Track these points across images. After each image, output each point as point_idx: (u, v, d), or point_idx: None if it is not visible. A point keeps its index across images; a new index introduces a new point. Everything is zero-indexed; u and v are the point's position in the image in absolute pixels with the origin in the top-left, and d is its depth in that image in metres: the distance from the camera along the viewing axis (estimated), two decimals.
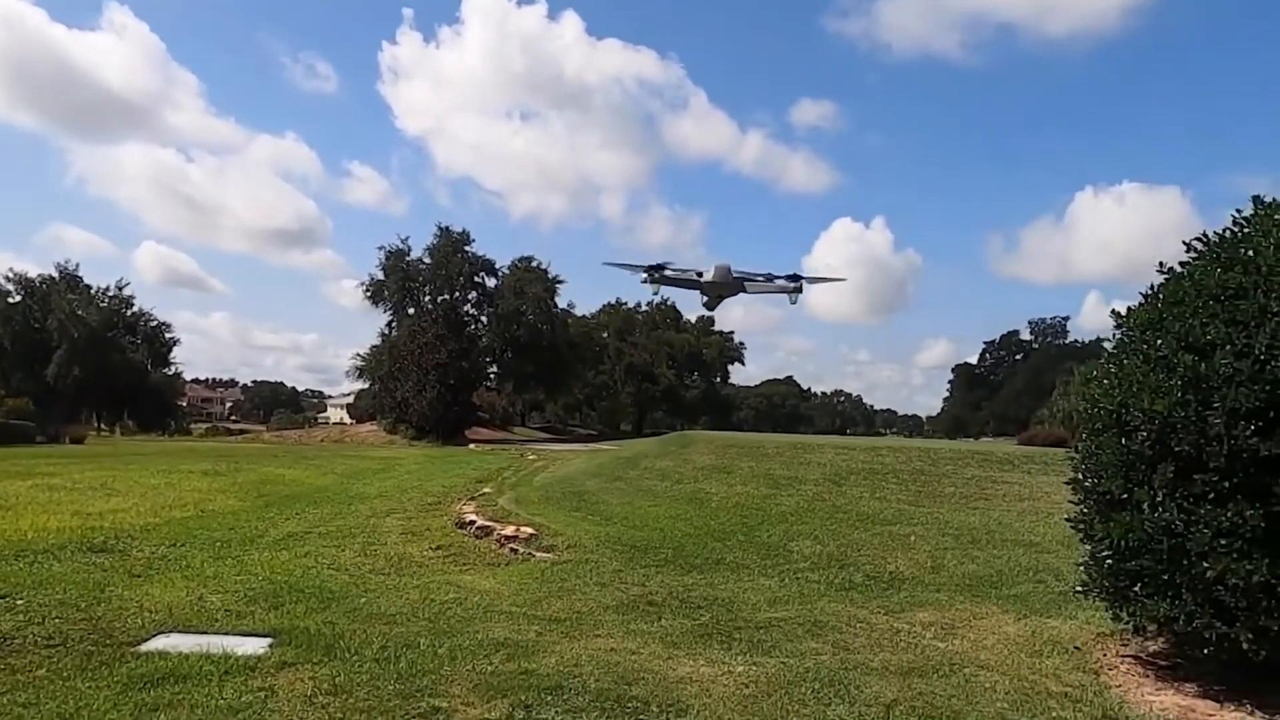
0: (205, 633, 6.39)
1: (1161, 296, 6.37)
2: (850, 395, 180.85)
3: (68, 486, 15.48)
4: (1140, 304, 6.65)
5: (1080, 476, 6.65)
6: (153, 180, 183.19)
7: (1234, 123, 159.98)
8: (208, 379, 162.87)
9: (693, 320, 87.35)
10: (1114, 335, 6.93)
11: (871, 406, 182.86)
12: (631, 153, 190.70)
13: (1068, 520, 6.79)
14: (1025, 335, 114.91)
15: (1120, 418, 6.13)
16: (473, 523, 10.88)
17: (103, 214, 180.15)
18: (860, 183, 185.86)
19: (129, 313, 70.02)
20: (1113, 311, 7.00)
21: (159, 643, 6.12)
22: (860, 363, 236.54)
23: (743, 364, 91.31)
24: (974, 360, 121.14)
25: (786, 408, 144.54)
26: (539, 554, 9.33)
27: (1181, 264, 6.48)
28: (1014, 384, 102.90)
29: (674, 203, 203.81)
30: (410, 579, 8.43)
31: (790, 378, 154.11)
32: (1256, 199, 6.31)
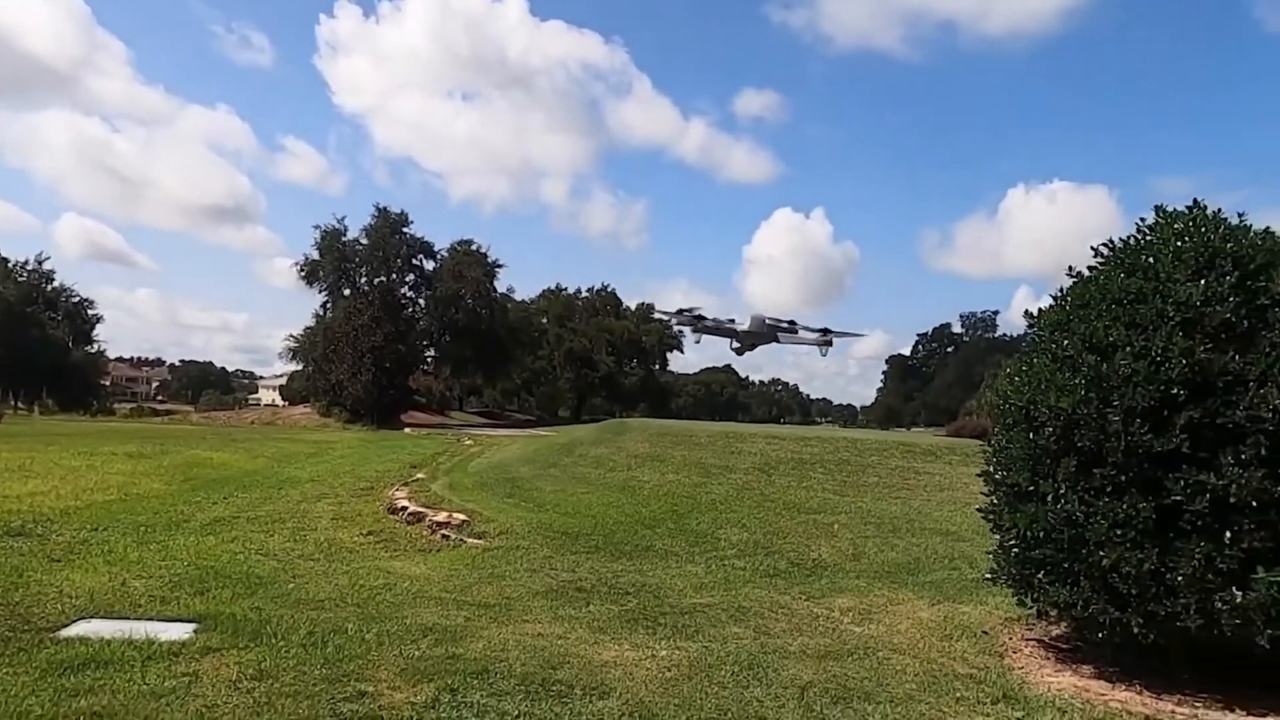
0: (128, 618, 6.33)
1: (1070, 299, 6.69)
2: (788, 384, 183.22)
3: None
4: (1050, 305, 6.98)
5: (992, 469, 6.97)
6: (75, 150, 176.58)
7: (1160, 126, 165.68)
8: (133, 358, 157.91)
9: (632, 307, 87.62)
10: (1026, 334, 7.28)
11: (808, 395, 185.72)
12: (575, 137, 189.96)
13: (979, 511, 7.10)
14: (957, 328, 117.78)
15: (1029, 413, 6.43)
16: (405, 509, 10.88)
17: (20, 184, 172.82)
18: (801, 174, 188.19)
19: (49, 288, 67.61)
20: (1025, 311, 7.34)
21: (79, 628, 6.06)
22: (798, 352, 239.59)
23: (681, 352, 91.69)
24: (907, 352, 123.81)
25: (724, 396, 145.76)
26: (470, 540, 9.40)
27: (1089, 268, 6.82)
28: (945, 376, 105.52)
29: (617, 189, 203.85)
30: (340, 565, 8.43)
31: (729, 366, 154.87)
32: (1159, 208, 6.66)
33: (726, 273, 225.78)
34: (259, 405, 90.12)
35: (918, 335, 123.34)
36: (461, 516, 10.04)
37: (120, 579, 7.45)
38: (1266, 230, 6.25)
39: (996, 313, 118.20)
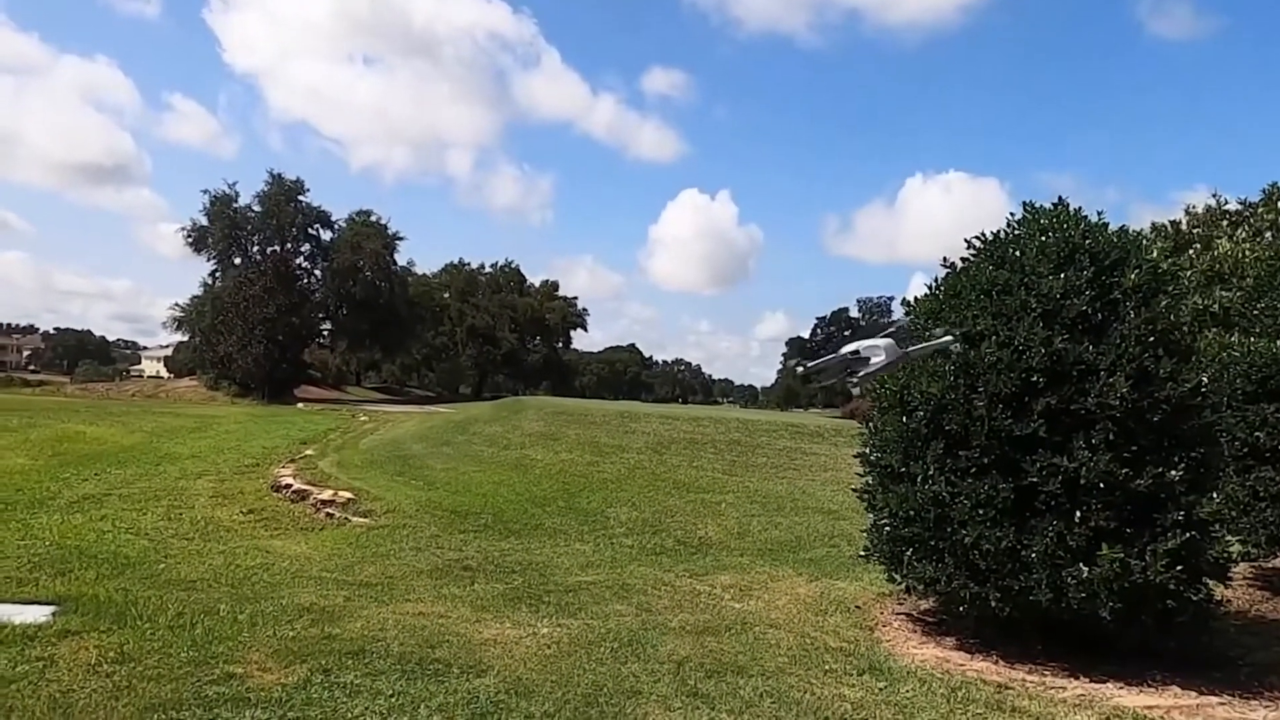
0: None
1: (943, 289, 6.98)
2: (690, 364, 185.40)
3: None
4: (926, 294, 7.27)
5: (868, 451, 7.23)
6: None
7: (1050, 122, 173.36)
8: (2, 324, 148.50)
9: (536, 284, 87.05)
10: (904, 321, 7.55)
11: (710, 376, 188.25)
12: (481, 108, 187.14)
13: (855, 491, 7.37)
14: (854, 313, 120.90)
15: (903, 398, 6.70)
16: (289, 486, 10.62)
17: None
18: (708, 155, 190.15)
19: None
20: (904, 300, 7.63)
21: None
22: (701, 333, 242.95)
23: (585, 330, 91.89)
24: (806, 334, 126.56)
25: (628, 375, 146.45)
26: (356, 519, 9.25)
27: (962, 259, 7.12)
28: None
29: (523, 162, 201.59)
30: (216, 544, 8.18)
31: (633, 345, 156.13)
32: (1027, 204, 6.99)
33: (632, 252, 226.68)
34: (142, 377, 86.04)
35: (816, 319, 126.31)
36: (347, 494, 9.86)
37: None
38: (1122, 228, 6.64)
39: (892, 299, 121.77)
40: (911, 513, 6.44)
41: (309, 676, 4.89)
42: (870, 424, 7.43)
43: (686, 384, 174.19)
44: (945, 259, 7.16)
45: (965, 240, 7.13)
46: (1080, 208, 6.65)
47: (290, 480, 10.89)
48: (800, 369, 6.10)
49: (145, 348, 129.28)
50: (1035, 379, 6.02)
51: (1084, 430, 5.90)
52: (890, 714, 4.96)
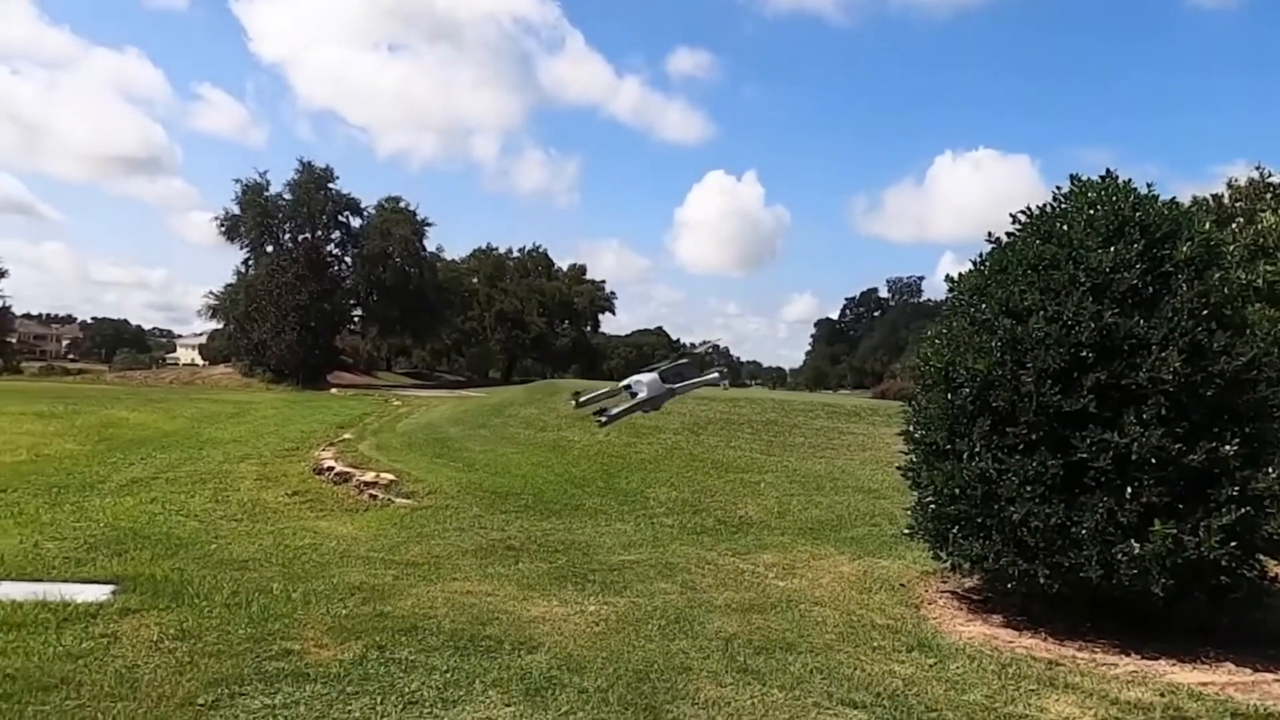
0: (41, 580, 6.17)
1: (988, 265, 6.90)
2: (718, 346, 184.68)
3: None
4: (970, 270, 7.19)
5: (912, 429, 7.19)
6: None
7: (1084, 97, 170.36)
8: (41, 315, 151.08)
9: (564, 268, 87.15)
10: (947, 298, 7.49)
11: (738, 358, 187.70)
12: (506, 93, 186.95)
13: (899, 469, 7.33)
14: (884, 293, 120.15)
15: (948, 375, 6.64)
16: (331, 469, 10.74)
17: None
18: (734, 136, 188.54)
19: None
20: (946, 276, 7.56)
21: None
22: (729, 315, 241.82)
23: (613, 313, 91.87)
24: (835, 316, 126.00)
25: (656, 358, 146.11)
26: (399, 500, 9.35)
27: (1007, 234, 7.03)
28: (871, 339, 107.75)
29: (549, 147, 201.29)
30: (264, 525, 8.31)
31: (660, 328, 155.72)
32: (1074, 178, 6.89)
33: (658, 234, 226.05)
34: (177, 365, 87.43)
35: (845, 299, 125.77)
36: (389, 476, 9.96)
37: (33, 541, 7.23)
38: (1172, 201, 6.52)
39: (922, 278, 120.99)
40: (957, 490, 6.40)
41: (364, 653, 4.97)
42: (913, 401, 7.39)
43: (714, 366, 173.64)
44: (990, 234, 7.06)
45: (1010, 215, 7.05)
46: (1130, 180, 6.55)
47: (332, 463, 11.01)
48: (575, 402, 6.43)
49: (180, 336, 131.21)
50: (1084, 354, 5.95)
51: (1135, 405, 5.82)
52: (942, 690, 4.95)
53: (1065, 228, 6.47)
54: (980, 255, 7.10)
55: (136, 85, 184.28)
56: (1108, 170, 6.74)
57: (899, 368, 64.27)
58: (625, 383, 5.97)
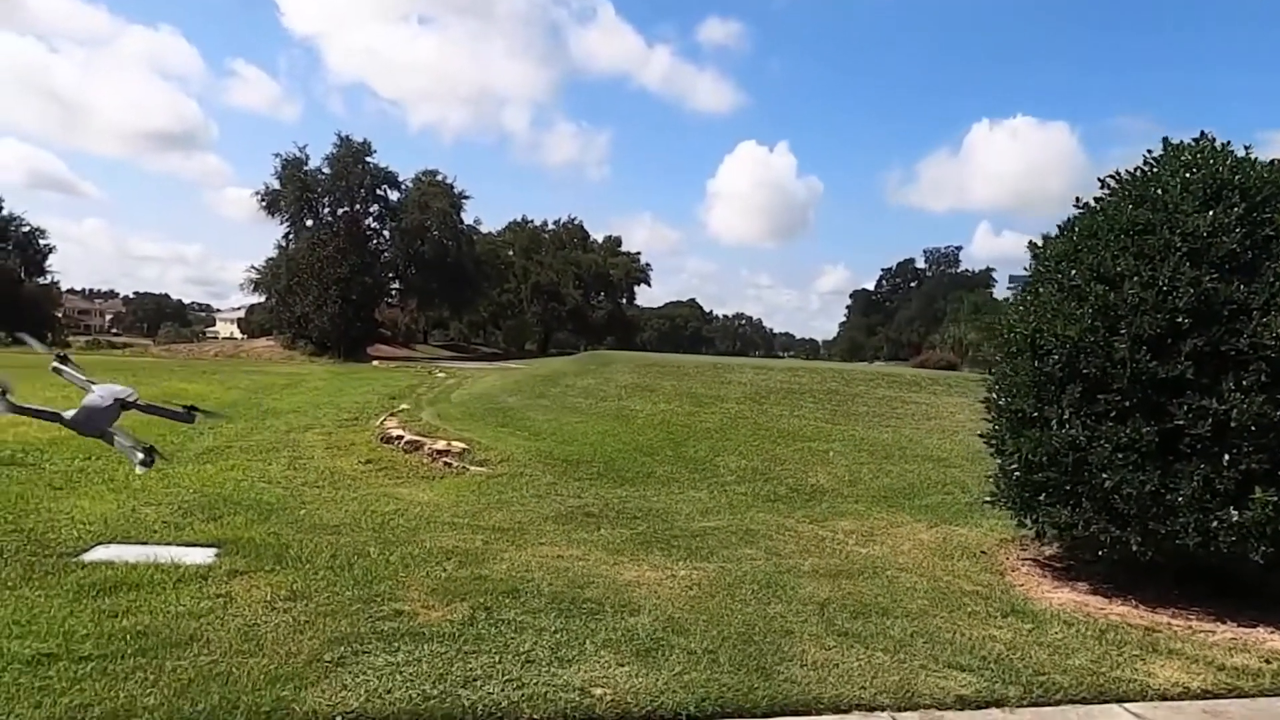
0: (146, 544, 6.36)
1: (1077, 230, 6.80)
2: (751, 318, 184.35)
3: None
4: (1057, 236, 7.10)
5: (995, 396, 7.15)
6: (12, 72, 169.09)
7: (1123, 61, 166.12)
8: (84, 290, 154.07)
9: (600, 240, 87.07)
10: (1030, 266, 7.40)
11: (771, 330, 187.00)
12: (536, 64, 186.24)
13: (981, 436, 7.31)
14: (920, 263, 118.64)
15: (1034, 342, 6.59)
16: (400, 437, 10.89)
17: None
18: (765, 106, 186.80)
19: None
20: (1030, 243, 7.46)
21: (100, 553, 6.07)
22: (761, 286, 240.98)
23: (649, 285, 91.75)
24: (871, 286, 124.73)
25: (689, 330, 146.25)
26: (473, 468, 9.47)
27: (1096, 199, 6.93)
28: (908, 310, 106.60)
29: (580, 118, 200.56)
30: (347, 492, 8.46)
31: (693, 300, 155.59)
32: (1166, 140, 6.76)
33: (691, 206, 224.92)
34: (217, 338, 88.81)
35: (881, 270, 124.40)
36: (461, 445, 10.08)
37: (130, 506, 7.43)
38: (1273, 163, 6.38)
39: (959, 248, 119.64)
40: (1045, 457, 6.37)
41: (472, 614, 5.08)
42: (995, 369, 7.35)
43: (747, 338, 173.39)
44: (1078, 199, 6.97)
45: (1100, 179, 6.96)
46: (1228, 142, 6.42)
47: (400, 432, 11.16)
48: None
49: (219, 310, 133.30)
50: (1181, 320, 5.86)
51: (1235, 371, 5.75)
52: (1045, 655, 4.97)
53: (1159, 192, 6.37)
54: (1068, 220, 7.01)
55: (171, 62, 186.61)
56: (1202, 133, 6.63)
57: (938, 339, 63.54)
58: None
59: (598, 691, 4.13)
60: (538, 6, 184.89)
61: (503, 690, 4.08)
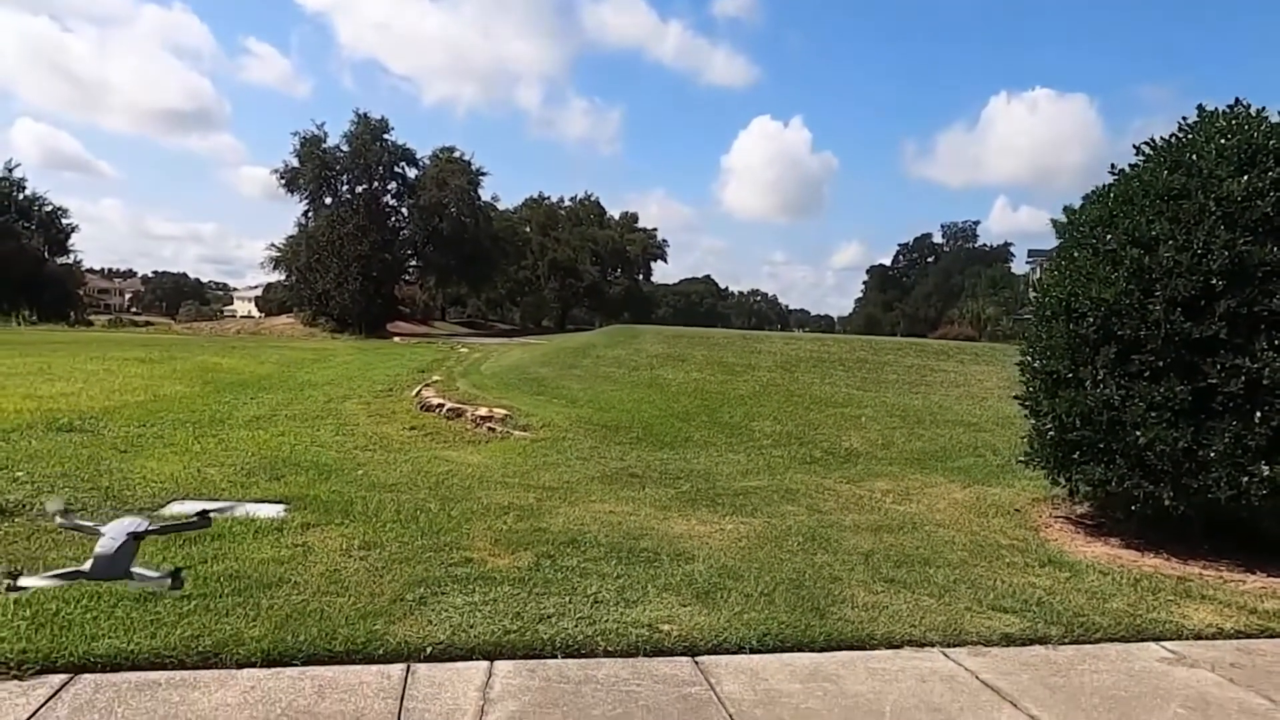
0: (217, 500, 6.66)
1: (1112, 195, 6.97)
2: (766, 295, 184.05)
3: (3, 372, 15.12)
4: (1091, 202, 7.28)
5: (1029, 359, 7.36)
6: (26, 52, 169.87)
7: (1144, 30, 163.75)
8: (103, 269, 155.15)
9: (616, 216, 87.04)
10: (1066, 232, 7.57)
11: (786, 306, 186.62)
12: (549, 40, 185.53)
13: (1016, 398, 7.52)
14: (937, 238, 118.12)
15: (1069, 305, 6.79)
16: (441, 405, 11.19)
17: None
18: (780, 80, 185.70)
19: (20, 197, 65.88)
20: (1065, 208, 7.65)
21: (176, 508, 6.38)
22: (775, 263, 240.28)
23: (665, 261, 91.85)
24: (887, 262, 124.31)
25: (704, 306, 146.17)
26: (516, 433, 9.76)
27: (1131, 166, 7.09)
28: (925, 285, 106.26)
29: (593, 94, 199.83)
30: (398, 454, 8.77)
31: (708, 276, 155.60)
32: (1200, 107, 6.91)
33: (705, 182, 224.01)
34: (235, 316, 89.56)
35: (899, 245, 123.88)
36: (502, 411, 10.37)
37: (195, 467, 7.75)
38: None
39: (977, 223, 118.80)
40: (1079, 417, 6.59)
41: (536, 561, 5.37)
42: (1029, 333, 7.54)
43: (762, 314, 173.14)
44: (1113, 166, 7.14)
45: (1134, 146, 7.11)
46: (1263, 108, 6.56)
47: (440, 400, 11.46)
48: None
49: (235, 289, 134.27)
50: (1215, 282, 6.05)
51: (1267, 331, 5.94)
52: (1084, 599, 5.22)
53: (1194, 157, 6.52)
54: (1102, 185, 7.18)
55: (185, 40, 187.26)
56: (1237, 99, 6.76)
57: (956, 313, 63.46)
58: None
59: (665, 628, 4.41)
60: None
61: (576, 626, 4.36)
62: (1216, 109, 6.80)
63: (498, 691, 3.74)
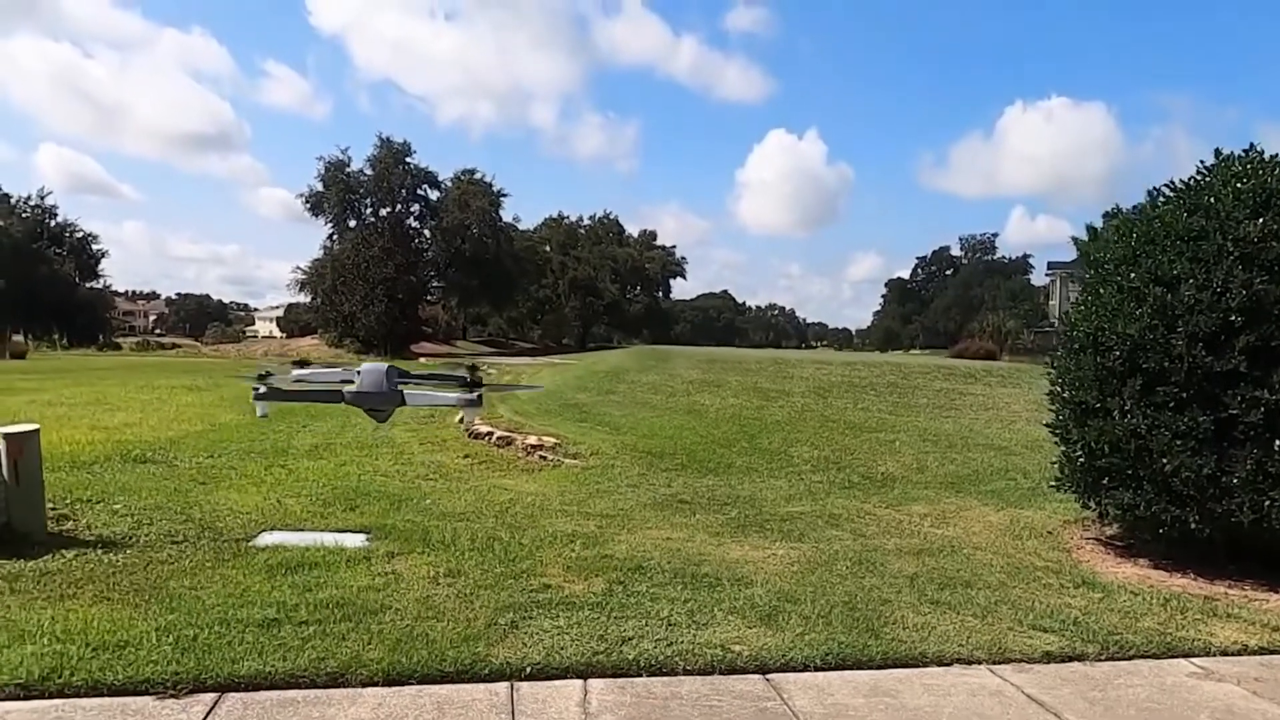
0: (302, 530, 7.16)
1: (1135, 235, 7.42)
2: (783, 309, 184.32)
3: (64, 402, 15.77)
4: (1114, 240, 7.73)
5: (1059, 389, 7.79)
6: (49, 77, 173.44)
7: (1159, 37, 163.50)
8: (127, 291, 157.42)
9: (635, 234, 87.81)
10: (1092, 269, 8.01)
11: (804, 320, 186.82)
12: (563, 57, 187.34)
13: (1047, 426, 7.95)
14: (955, 251, 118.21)
15: (1096, 339, 7.23)
16: (490, 433, 11.68)
17: None
18: (794, 93, 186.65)
19: (53, 223, 67.49)
20: (1088, 227, 8.18)
21: (268, 539, 6.88)
22: (792, 276, 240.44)
23: (684, 278, 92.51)
24: (905, 275, 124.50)
25: (721, 321, 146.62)
26: (567, 460, 10.25)
27: (1152, 207, 7.55)
28: (944, 299, 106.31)
29: (607, 110, 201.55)
30: (458, 483, 9.27)
31: (725, 291, 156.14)
32: (1217, 151, 7.36)
33: (719, 196, 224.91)
34: (257, 338, 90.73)
35: (917, 258, 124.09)
36: (551, 439, 10.87)
37: (273, 498, 8.27)
38: None
39: (995, 235, 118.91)
40: (1109, 445, 7.01)
41: (609, 587, 5.83)
42: (1058, 364, 7.97)
43: (780, 329, 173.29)
44: (1117, 207, 7.57)
45: (1153, 189, 7.58)
46: (1276, 155, 6.99)
47: (487, 428, 11.94)
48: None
49: (257, 310, 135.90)
50: (1234, 318, 6.48)
51: None
52: (1117, 618, 5.64)
53: (1212, 200, 6.97)
54: (1124, 223, 7.62)
55: (204, 64, 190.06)
56: (1251, 145, 7.20)
57: (976, 327, 63.56)
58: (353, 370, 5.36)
59: (736, 648, 4.87)
60: None
61: (655, 647, 4.83)
62: (1232, 153, 7.25)
63: (595, 707, 4.21)
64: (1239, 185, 6.90)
